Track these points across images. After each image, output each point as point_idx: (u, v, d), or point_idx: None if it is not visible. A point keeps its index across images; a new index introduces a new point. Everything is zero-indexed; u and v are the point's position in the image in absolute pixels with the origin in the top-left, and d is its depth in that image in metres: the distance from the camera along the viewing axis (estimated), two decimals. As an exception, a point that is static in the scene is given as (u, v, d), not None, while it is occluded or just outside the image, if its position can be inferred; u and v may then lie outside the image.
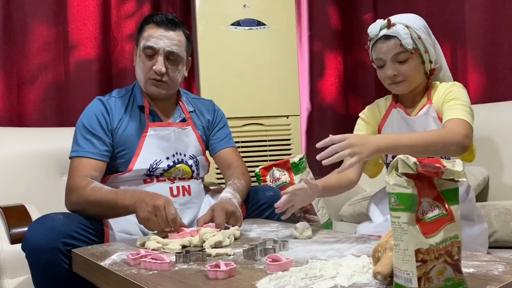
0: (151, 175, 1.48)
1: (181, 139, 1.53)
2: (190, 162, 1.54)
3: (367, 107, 1.55)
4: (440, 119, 1.37)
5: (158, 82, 1.47)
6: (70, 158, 1.44)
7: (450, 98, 1.35)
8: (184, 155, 1.53)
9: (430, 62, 1.40)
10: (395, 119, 1.46)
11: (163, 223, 1.22)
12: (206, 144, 1.64)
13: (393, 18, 1.38)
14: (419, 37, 1.36)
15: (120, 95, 1.54)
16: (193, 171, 1.54)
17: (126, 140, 1.47)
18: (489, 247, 1.42)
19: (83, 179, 1.36)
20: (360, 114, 1.55)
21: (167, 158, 1.49)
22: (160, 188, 1.45)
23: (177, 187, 1.49)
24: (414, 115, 1.42)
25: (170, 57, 1.47)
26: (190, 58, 1.59)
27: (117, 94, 1.55)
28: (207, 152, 1.66)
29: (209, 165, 1.65)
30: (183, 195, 1.49)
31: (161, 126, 1.50)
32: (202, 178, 1.65)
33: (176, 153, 1.51)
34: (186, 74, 1.57)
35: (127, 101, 1.53)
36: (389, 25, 1.35)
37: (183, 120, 1.57)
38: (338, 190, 1.44)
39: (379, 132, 1.50)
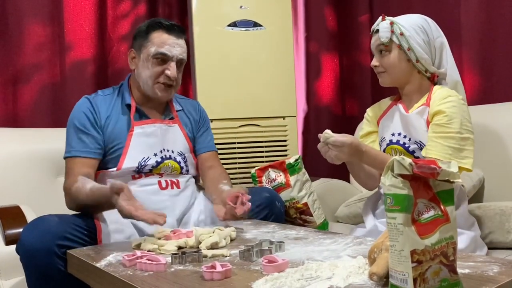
0: (139, 171, 1.48)
1: (168, 136, 1.55)
2: (179, 158, 1.55)
3: (371, 106, 1.65)
4: (429, 124, 1.38)
5: (168, 86, 1.51)
6: (65, 158, 1.47)
7: (442, 121, 1.34)
8: (172, 152, 1.54)
9: (417, 61, 1.42)
10: (393, 114, 1.51)
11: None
12: (193, 143, 1.65)
13: (392, 17, 1.45)
14: (401, 34, 1.40)
15: (106, 93, 1.57)
16: (181, 167, 1.55)
17: (115, 137, 1.49)
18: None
19: (72, 181, 1.39)
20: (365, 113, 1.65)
21: (155, 155, 1.50)
22: (148, 181, 1.46)
23: (166, 181, 1.50)
24: (411, 111, 1.46)
25: (179, 63, 1.53)
26: None
27: (103, 92, 1.57)
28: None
29: (197, 164, 1.65)
30: (172, 188, 1.50)
31: (146, 123, 1.52)
32: (195, 177, 1.65)
33: (164, 149, 1.52)
34: None
35: (114, 99, 1.55)
36: (381, 21, 1.46)
37: (171, 119, 1.59)
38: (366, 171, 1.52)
39: (377, 125, 1.58)
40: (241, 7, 2.39)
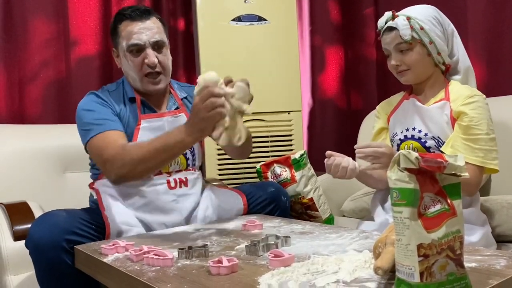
0: None
1: None
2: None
3: (381, 102, 1.61)
4: (453, 121, 1.37)
5: (154, 77, 1.47)
6: (88, 140, 1.39)
7: (470, 123, 1.32)
8: None
9: (438, 53, 1.39)
10: (407, 108, 1.47)
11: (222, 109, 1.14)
12: None
13: (401, 11, 1.41)
14: (422, 28, 1.37)
15: (112, 89, 1.53)
16: (187, 159, 1.53)
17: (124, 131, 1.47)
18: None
19: (117, 146, 1.32)
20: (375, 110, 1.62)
21: None
22: (157, 181, 1.45)
23: (174, 180, 1.48)
24: (428, 106, 1.42)
25: (156, 46, 1.46)
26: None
27: (109, 88, 1.54)
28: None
29: (203, 152, 1.63)
30: (180, 187, 1.49)
31: (153, 117, 1.49)
32: (200, 168, 1.64)
33: None
34: (171, 57, 1.54)
35: (119, 94, 1.52)
36: (393, 17, 1.40)
37: (177, 108, 1.55)
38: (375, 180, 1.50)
39: (387, 122, 1.54)
40: (245, 1, 2.38)
